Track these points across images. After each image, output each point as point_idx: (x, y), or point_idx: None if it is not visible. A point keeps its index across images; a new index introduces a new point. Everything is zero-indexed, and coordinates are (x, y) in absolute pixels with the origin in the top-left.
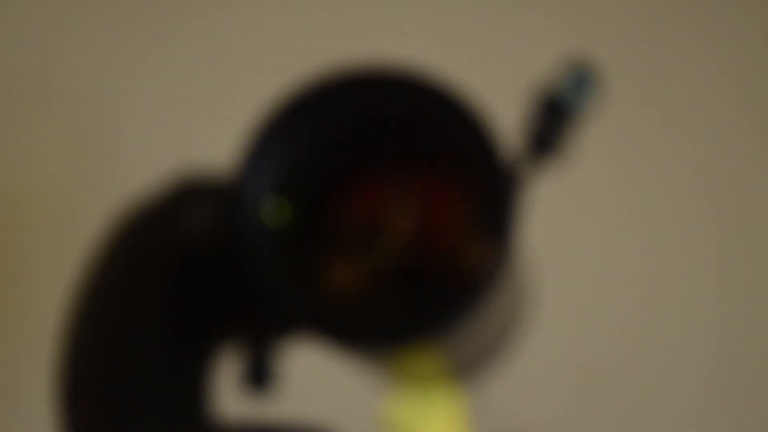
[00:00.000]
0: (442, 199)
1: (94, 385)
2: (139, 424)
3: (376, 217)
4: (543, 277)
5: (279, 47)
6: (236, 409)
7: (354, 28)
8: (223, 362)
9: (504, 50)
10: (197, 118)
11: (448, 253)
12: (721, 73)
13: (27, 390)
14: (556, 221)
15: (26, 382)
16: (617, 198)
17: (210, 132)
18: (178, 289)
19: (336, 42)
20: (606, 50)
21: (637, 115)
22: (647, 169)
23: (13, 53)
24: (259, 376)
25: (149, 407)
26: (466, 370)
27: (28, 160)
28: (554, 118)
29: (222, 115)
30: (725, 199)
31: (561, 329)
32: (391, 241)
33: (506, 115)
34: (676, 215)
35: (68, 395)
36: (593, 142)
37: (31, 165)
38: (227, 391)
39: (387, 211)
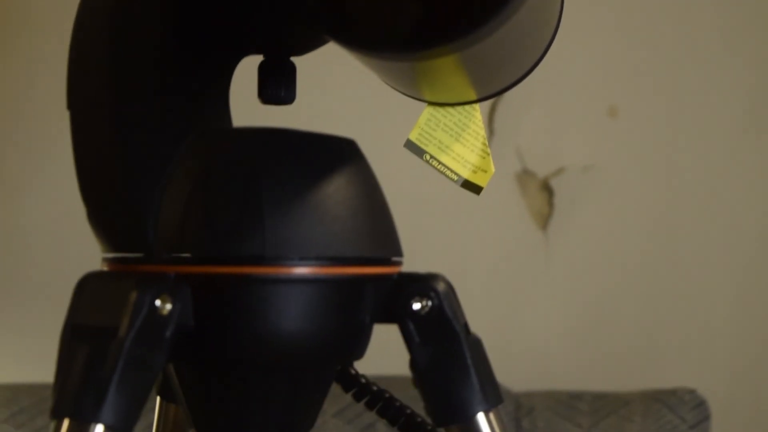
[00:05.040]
0: None
1: (100, 93)
2: (149, 129)
3: None
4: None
5: None
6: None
7: None
8: (235, 71)
9: None
10: None
11: None
12: None
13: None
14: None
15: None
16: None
17: None
18: None
19: None
20: None
21: None
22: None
23: None
24: (277, 84)
25: (158, 111)
26: (490, 80)
27: None
28: None
29: None
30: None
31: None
32: None
33: None
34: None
35: (76, 104)
36: None
37: None
38: (245, 106)
39: None
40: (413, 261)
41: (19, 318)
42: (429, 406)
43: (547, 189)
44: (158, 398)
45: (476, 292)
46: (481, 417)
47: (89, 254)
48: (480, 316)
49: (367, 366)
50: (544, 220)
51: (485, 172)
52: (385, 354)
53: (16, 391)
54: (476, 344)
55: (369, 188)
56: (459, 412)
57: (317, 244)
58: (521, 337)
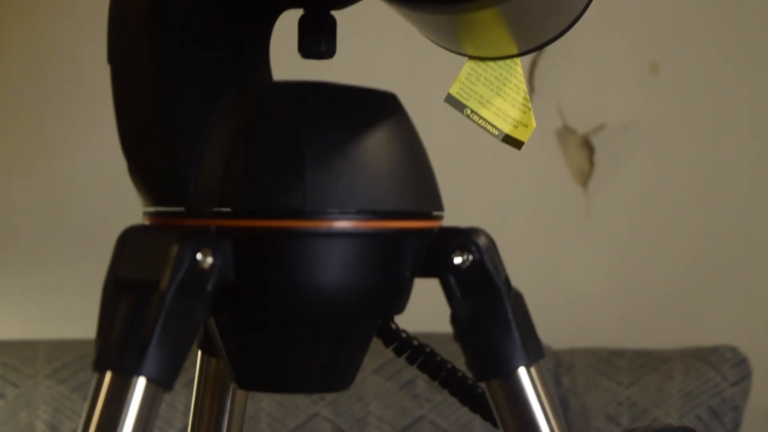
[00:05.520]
0: None
1: (140, 47)
2: (190, 84)
3: None
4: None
5: None
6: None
7: None
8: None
9: None
10: None
11: None
12: None
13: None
14: None
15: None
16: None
17: None
18: None
19: None
20: None
21: None
22: None
23: None
24: (318, 38)
25: (199, 65)
26: (531, 34)
27: None
28: None
29: None
30: None
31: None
32: None
33: None
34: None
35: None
36: None
37: None
38: (285, 60)
39: None
40: (453, 216)
41: (61, 274)
42: (469, 360)
43: (588, 146)
44: (199, 352)
45: (516, 249)
46: (522, 371)
47: (130, 210)
48: (520, 274)
49: (405, 323)
50: (584, 177)
51: (526, 126)
52: (424, 311)
53: (58, 346)
54: (517, 298)
55: (410, 142)
56: (500, 366)
57: (358, 198)
58: (561, 294)
